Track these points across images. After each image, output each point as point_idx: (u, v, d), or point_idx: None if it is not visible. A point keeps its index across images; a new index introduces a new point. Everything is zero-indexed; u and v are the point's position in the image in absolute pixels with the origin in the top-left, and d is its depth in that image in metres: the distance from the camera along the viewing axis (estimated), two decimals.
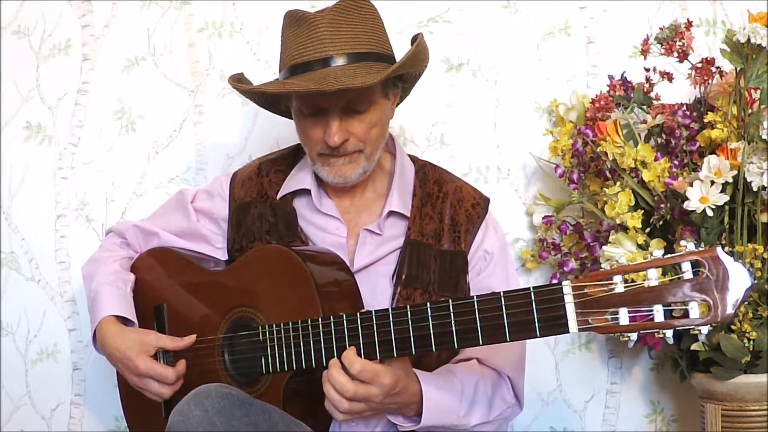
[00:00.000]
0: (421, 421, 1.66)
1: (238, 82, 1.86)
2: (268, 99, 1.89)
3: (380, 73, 1.68)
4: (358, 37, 1.74)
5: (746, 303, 1.88)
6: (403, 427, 1.69)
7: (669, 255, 1.36)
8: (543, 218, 2.17)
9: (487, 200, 1.89)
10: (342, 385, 1.55)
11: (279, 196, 1.88)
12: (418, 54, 1.75)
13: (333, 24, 1.74)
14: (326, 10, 1.76)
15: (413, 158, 1.93)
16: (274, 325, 1.68)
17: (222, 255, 1.92)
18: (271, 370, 1.69)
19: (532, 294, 1.43)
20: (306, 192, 1.86)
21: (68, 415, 2.38)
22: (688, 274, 1.33)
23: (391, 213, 1.83)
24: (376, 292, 1.77)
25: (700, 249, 1.34)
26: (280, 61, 1.80)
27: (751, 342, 1.88)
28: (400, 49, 1.80)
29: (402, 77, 1.83)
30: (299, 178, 1.88)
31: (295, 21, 1.77)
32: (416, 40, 1.75)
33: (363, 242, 1.82)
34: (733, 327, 1.88)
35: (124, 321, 1.84)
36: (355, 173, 1.79)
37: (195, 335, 1.80)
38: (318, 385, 1.59)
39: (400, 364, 1.60)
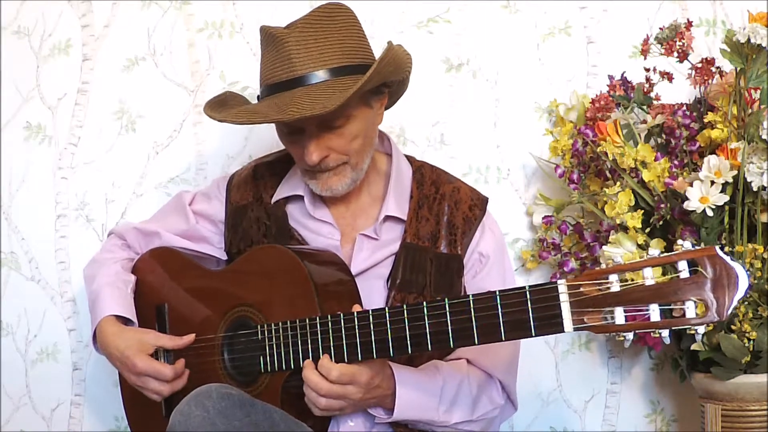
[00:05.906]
0: (394, 414, 1.66)
1: (217, 106, 1.81)
2: None
3: (346, 93, 1.60)
4: (329, 50, 1.67)
5: (746, 303, 1.87)
6: (381, 419, 1.69)
7: (665, 254, 1.35)
8: (543, 218, 2.16)
9: (485, 201, 1.87)
10: (315, 384, 1.58)
11: (273, 200, 1.86)
12: (386, 66, 1.65)
13: (301, 40, 1.66)
14: (296, 24, 1.69)
15: (410, 159, 1.91)
16: (272, 324, 1.68)
17: (223, 254, 1.92)
18: (269, 369, 1.69)
19: (528, 293, 1.43)
20: (300, 197, 1.85)
21: (68, 415, 2.38)
22: (684, 273, 1.32)
23: (388, 217, 1.81)
24: (372, 294, 1.76)
25: (697, 248, 1.33)
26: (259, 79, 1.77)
27: (751, 342, 1.87)
28: None
29: (385, 82, 1.74)
30: (293, 184, 1.86)
31: (265, 39, 1.72)
32: (386, 50, 1.64)
33: (360, 247, 1.80)
34: (733, 327, 1.87)
35: (125, 321, 1.84)
36: (342, 185, 1.76)
37: (194, 334, 1.80)
38: None
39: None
